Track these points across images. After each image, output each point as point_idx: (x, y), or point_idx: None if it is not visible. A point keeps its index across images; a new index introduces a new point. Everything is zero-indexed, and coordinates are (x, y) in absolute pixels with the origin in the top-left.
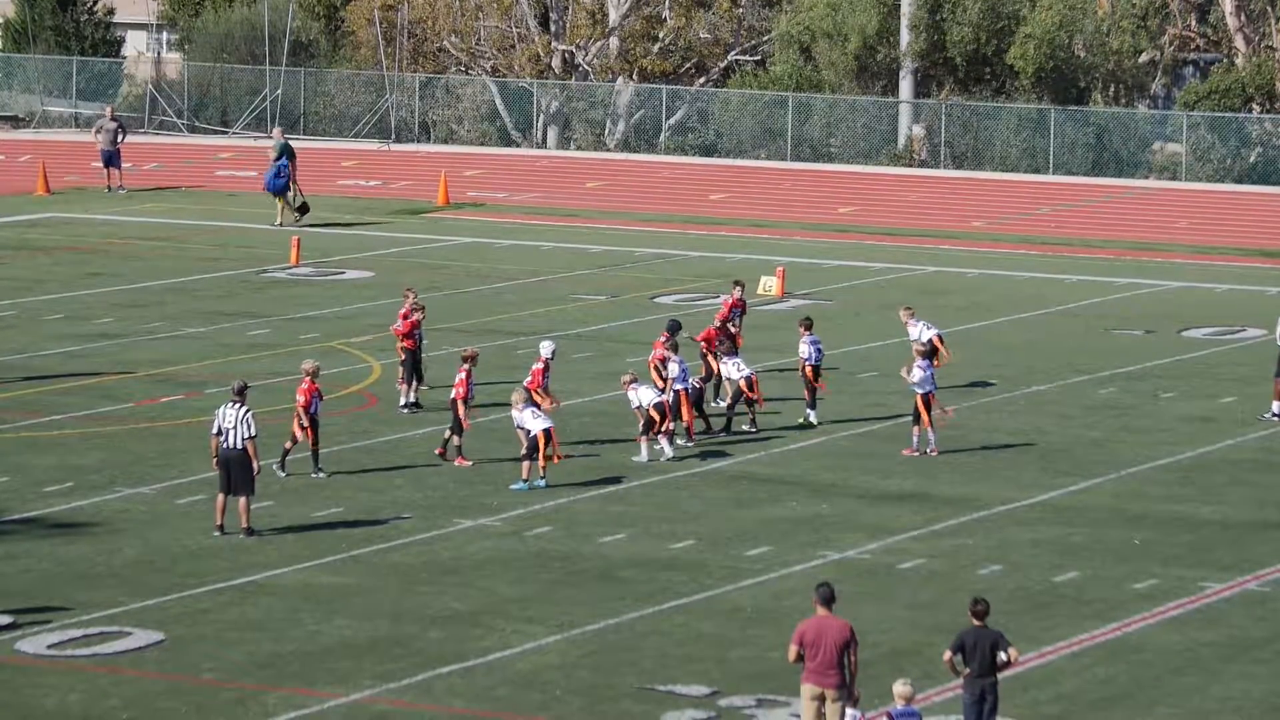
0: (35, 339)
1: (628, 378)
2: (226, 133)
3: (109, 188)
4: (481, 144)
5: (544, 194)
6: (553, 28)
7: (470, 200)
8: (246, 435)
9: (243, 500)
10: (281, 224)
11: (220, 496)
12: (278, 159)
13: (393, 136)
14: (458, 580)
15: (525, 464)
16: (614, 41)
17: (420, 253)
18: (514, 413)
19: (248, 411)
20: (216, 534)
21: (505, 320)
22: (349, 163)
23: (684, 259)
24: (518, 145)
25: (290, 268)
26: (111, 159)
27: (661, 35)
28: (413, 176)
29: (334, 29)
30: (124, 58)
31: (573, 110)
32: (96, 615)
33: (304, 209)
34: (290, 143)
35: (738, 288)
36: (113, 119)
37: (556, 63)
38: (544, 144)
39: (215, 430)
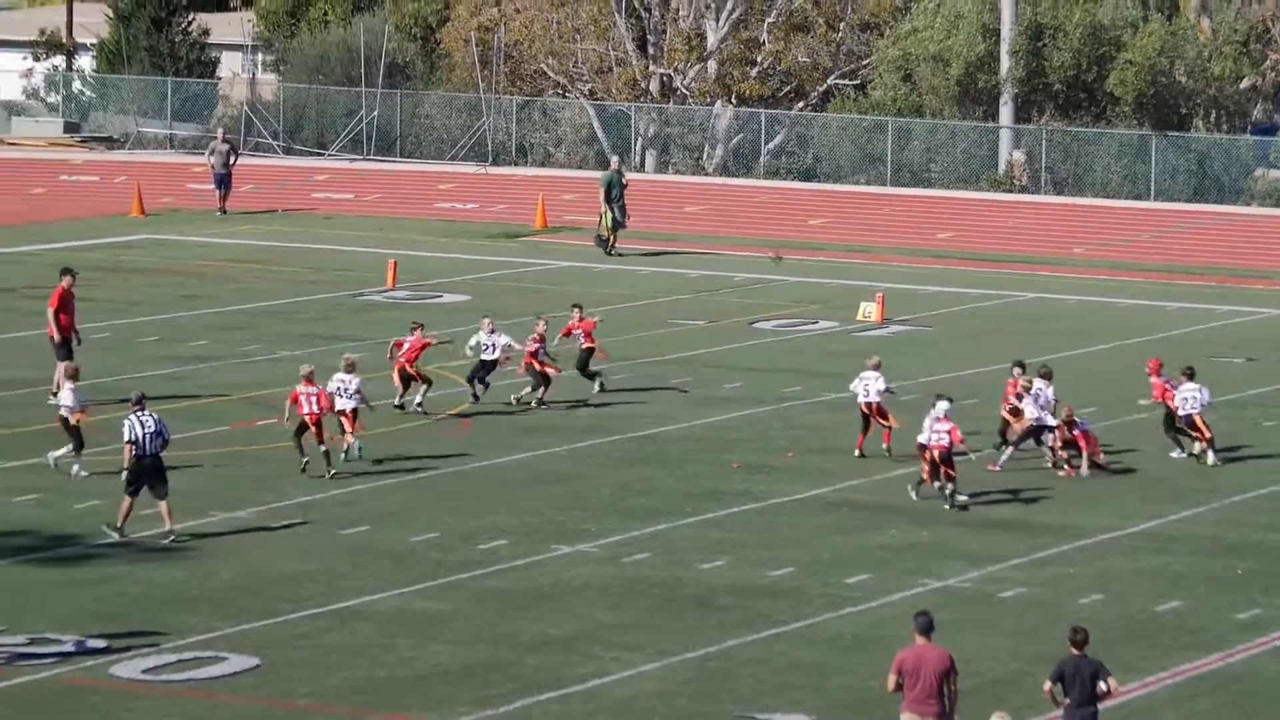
0: (130, 361)
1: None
2: (323, 155)
3: (221, 210)
4: (579, 168)
5: (641, 218)
6: (650, 51)
7: (567, 224)
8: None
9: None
10: (616, 250)
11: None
12: (608, 190)
13: (490, 159)
14: (555, 606)
15: None
16: (712, 65)
17: (517, 276)
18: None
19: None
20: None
21: (602, 345)
22: (446, 185)
23: (782, 284)
24: None
25: (387, 291)
26: (223, 181)
27: (760, 59)
28: (510, 199)
29: (430, 50)
30: (219, 79)
31: (670, 134)
32: (191, 640)
33: (605, 240)
34: (621, 172)
35: None
36: (224, 140)
37: (654, 86)
38: (642, 168)
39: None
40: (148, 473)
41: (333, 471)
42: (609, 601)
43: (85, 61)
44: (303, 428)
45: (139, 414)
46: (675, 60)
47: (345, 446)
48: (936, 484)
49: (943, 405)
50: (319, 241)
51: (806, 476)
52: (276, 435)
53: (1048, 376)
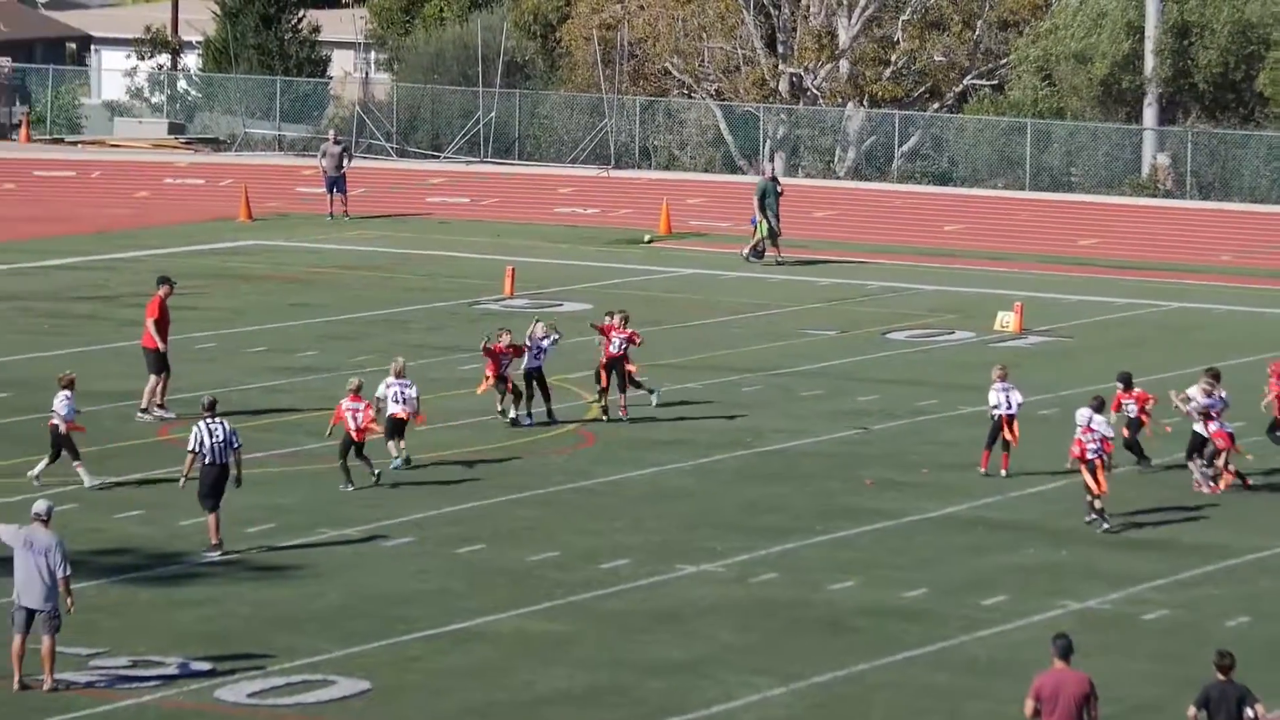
0: (236, 372)
1: None
2: (438, 157)
3: (331, 215)
4: (705, 171)
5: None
6: (780, 49)
7: (693, 230)
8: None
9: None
10: (781, 259)
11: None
12: (762, 198)
13: (612, 162)
14: (679, 628)
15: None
16: (844, 65)
17: (640, 284)
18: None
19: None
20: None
21: (729, 356)
22: (566, 189)
23: (916, 292)
24: (743, 172)
25: (504, 299)
26: (336, 184)
27: (894, 58)
28: (633, 204)
29: (550, 49)
30: (330, 78)
31: (800, 136)
32: (299, 663)
33: (760, 250)
34: (776, 179)
35: None
36: (336, 142)
37: (783, 86)
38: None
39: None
40: (215, 482)
41: (378, 474)
42: (735, 623)
43: (191, 60)
44: (347, 445)
45: (209, 421)
46: (805, 59)
47: (397, 453)
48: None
49: (1083, 413)
50: (433, 247)
51: (941, 494)
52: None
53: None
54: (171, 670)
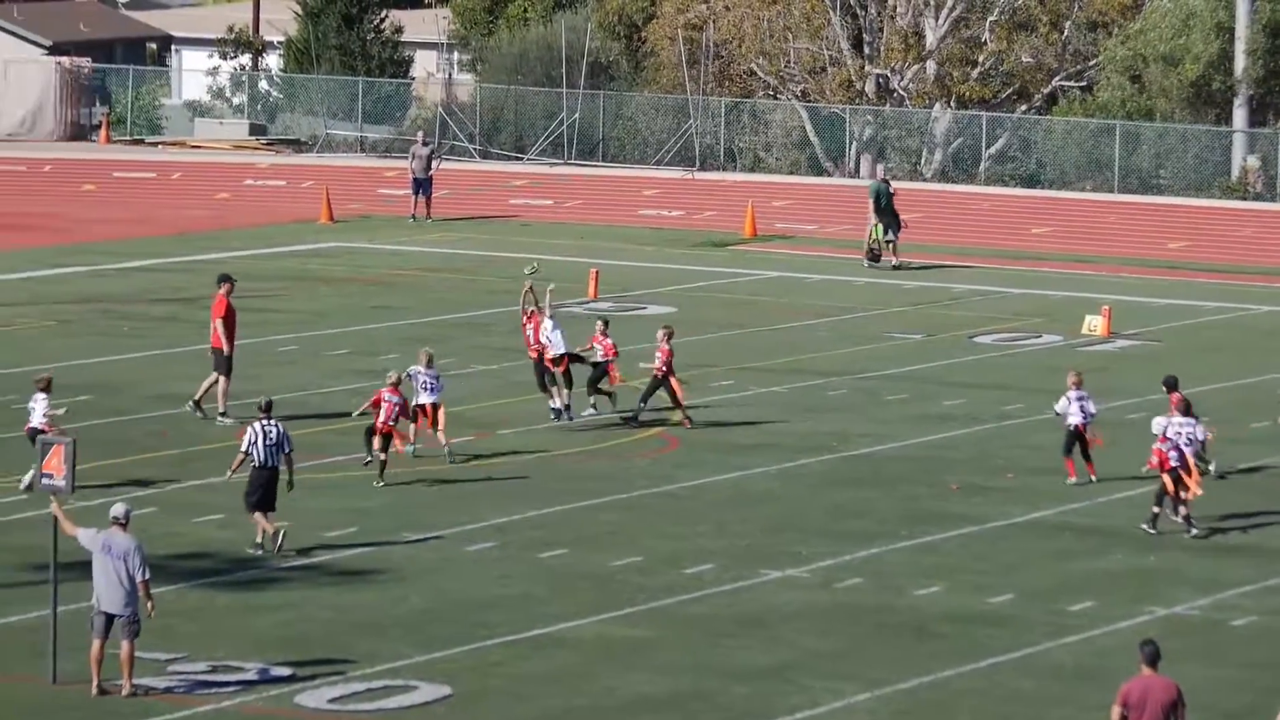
0: (317, 375)
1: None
2: (521, 159)
3: (414, 216)
4: (791, 173)
5: (856, 226)
6: (866, 50)
7: (778, 232)
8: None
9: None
10: (897, 265)
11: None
12: (876, 200)
13: (697, 164)
14: (763, 633)
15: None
16: (931, 65)
17: (725, 287)
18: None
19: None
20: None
21: (814, 359)
22: (650, 191)
23: (1003, 296)
24: (829, 174)
25: (588, 301)
26: (422, 186)
27: (981, 59)
28: (717, 206)
29: (635, 49)
30: (413, 79)
31: (887, 138)
32: (380, 668)
33: (876, 254)
34: (888, 181)
35: None
36: (425, 144)
37: (870, 87)
38: (856, 173)
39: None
40: (265, 485)
41: (383, 484)
42: (820, 629)
43: (273, 60)
44: (373, 430)
45: (264, 423)
46: (892, 60)
47: (410, 444)
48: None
49: (1159, 421)
50: (516, 250)
51: (1027, 498)
52: (471, 453)
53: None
54: (251, 675)
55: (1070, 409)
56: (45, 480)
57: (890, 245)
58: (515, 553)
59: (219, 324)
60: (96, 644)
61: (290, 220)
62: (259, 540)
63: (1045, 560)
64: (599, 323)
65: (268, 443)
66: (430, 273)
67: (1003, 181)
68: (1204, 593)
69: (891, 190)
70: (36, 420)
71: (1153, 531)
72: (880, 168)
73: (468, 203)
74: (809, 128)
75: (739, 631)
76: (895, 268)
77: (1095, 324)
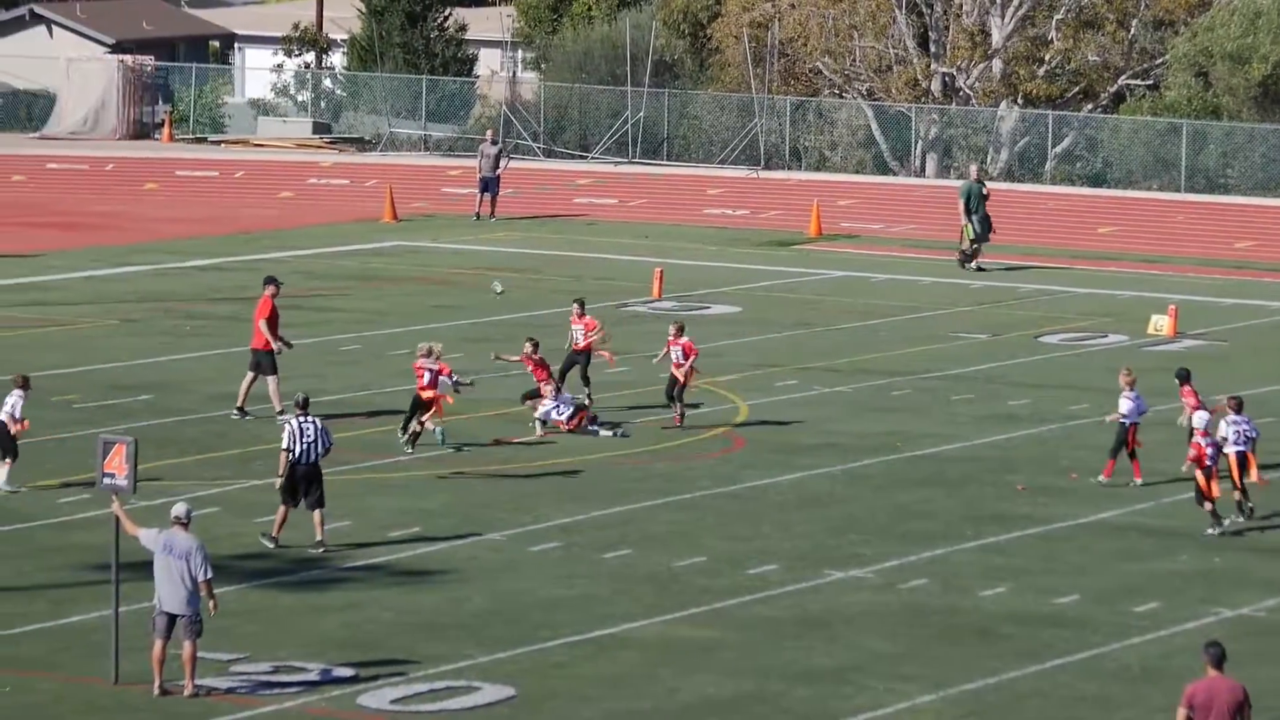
0: (379, 374)
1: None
2: (585, 157)
3: (478, 215)
4: (856, 172)
5: (922, 225)
6: (932, 49)
7: (843, 231)
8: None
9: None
10: (980, 266)
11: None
12: (967, 201)
13: (762, 163)
14: (827, 635)
15: None
16: (997, 64)
17: (789, 287)
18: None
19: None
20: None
21: (879, 359)
22: (715, 190)
23: (1069, 296)
24: (894, 173)
25: (652, 301)
26: (489, 185)
27: (1047, 58)
28: (782, 206)
29: (700, 48)
30: (476, 77)
31: (953, 136)
32: (443, 669)
33: (968, 255)
34: (981, 182)
35: None
36: (493, 143)
37: (936, 86)
38: (922, 173)
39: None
40: (304, 481)
41: (409, 451)
42: (884, 630)
43: (337, 58)
44: (417, 404)
45: (300, 419)
46: (958, 59)
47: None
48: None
49: (1201, 416)
50: (580, 249)
51: (1092, 499)
52: (535, 454)
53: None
54: (314, 676)
55: (1123, 404)
56: (106, 480)
57: (976, 246)
58: (578, 553)
59: (262, 324)
60: (158, 644)
61: (353, 219)
62: (275, 534)
63: (1111, 561)
64: (576, 304)
65: (305, 439)
66: (493, 272)
67: (1069, 181)
68: (1271, 594)
69: (985, 192)
70: (3, 416)
71: (1217, 531)
72: (974, 167)
73: (532, 202)
74: (874, 126)
75: (802, 633)
76: (976, 269)
77: (1161, 324)
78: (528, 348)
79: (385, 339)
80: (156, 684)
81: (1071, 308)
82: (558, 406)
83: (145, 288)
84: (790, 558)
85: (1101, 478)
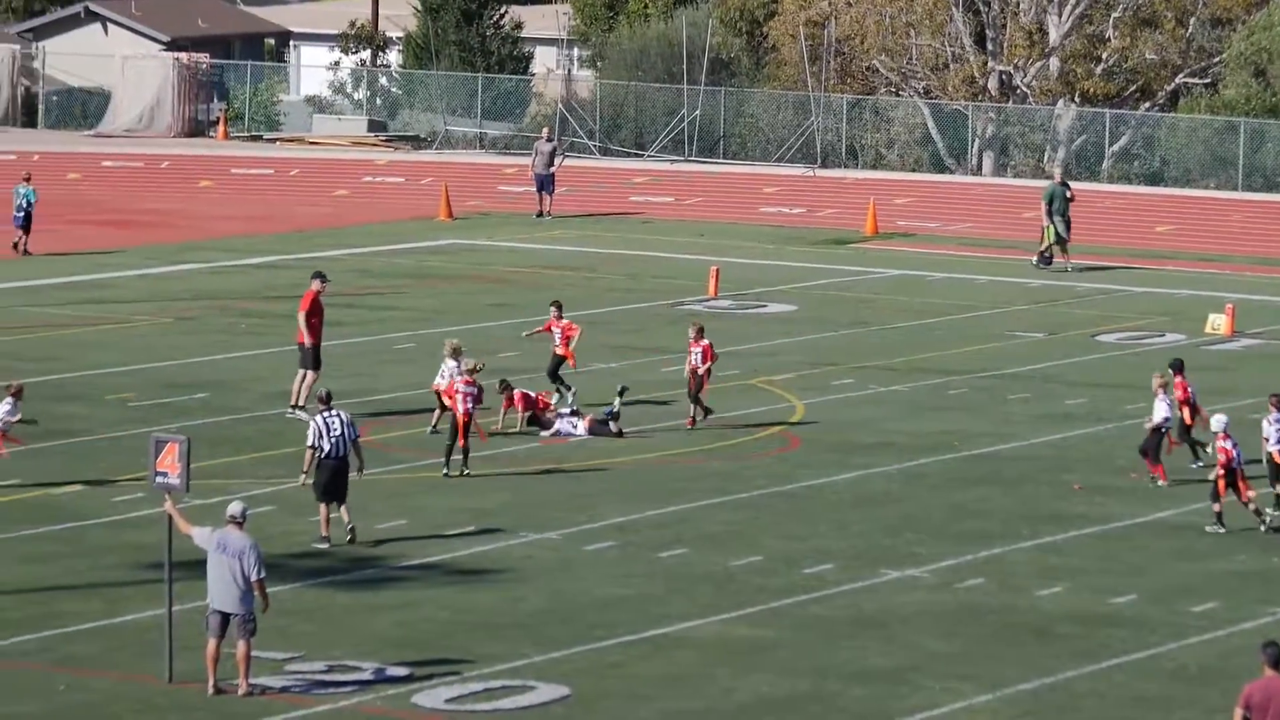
0: (433, 374)
1: None
2: (641, 156)
3: (539, 214)
4: (913, 170)
5: (978, 224)
6: (989, 47)
7: (900, 230)
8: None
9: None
10: (1070, 266)
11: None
12: (1050, 202)
13: (818, 161)
14: (883, 635)
15: None
16: (1054, 62)
17: (846, 285)
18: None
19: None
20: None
21: (936, 358)
22: (771, 189)
23: (1126, 295)
24: (951, 172)
25: (708, 300)
26: (544, 183)
27: (1105, 56)
28: (839, 204)
29: (756, 45)
30: (532, 75)
31: (1010, 135)
32: (498, 668)
33: (1049, 256)
34: (1066, 184)
35: None
36: (548, 140)
37: (993, 84)
38: (979, 171)
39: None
40: (332, 475)
41: (465, 471)
42: (940, 630)
43: (392, 56)
44: (456, 430)
45: (326, 415)
46: (1015, 57)
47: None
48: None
49: (1219, 420)
50: (636, 247)
51: (1150, 498)
52: (590, 452)
53: None
54: (368, 675)
55: (1159, 409)
56: (159, 479)
57: (1061, 247)
58: (634, 552)
59: (301, 318)
60: (212, 643)
61: (409, 217)
62: (324, 534)
63: (1168, 560)
64: (554, 306)
65: (332, 433)
66: (549, 270)
67: (1126, 179)
68: None
69: (1069, 194)
70: None
71: (1222, 530)
72: (1058, 169)
73: (587, 200)
74: (931, 125)
75: (858, 632)
76: (1067, 269)
77: (1219, 323)
78: (553, 312)
79: (440, 338)
80: (211, 683)
81: (1129, 307)
82: (569, 422)
83: (200, 286)
84: (846, 557)
85: (1160, 481)
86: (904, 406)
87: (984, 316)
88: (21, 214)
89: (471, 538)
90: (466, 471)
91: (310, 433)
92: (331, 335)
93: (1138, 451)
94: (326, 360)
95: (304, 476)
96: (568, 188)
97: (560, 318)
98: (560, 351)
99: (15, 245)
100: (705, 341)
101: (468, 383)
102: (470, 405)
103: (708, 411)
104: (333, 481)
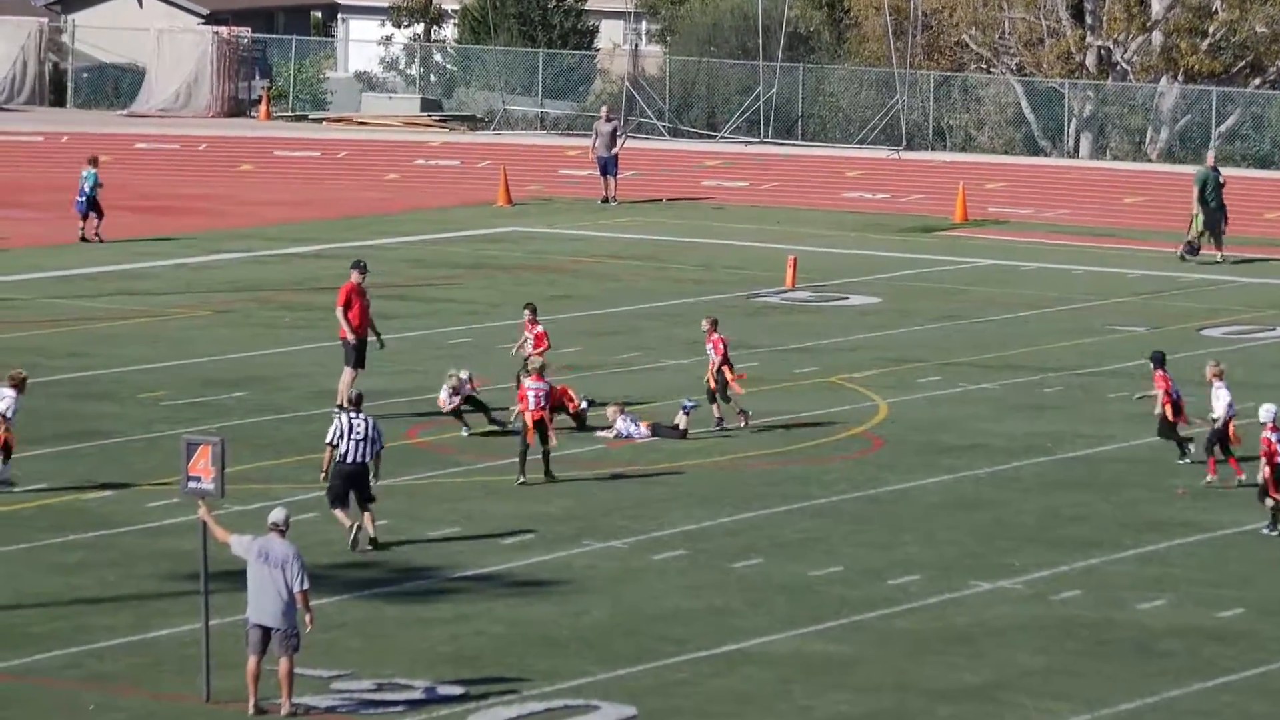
0: (489, 369)
1: None
2: (714, 137)
3: (604, 199)
4: (1005, 152)
5: (1075, 210)
6: (1087, 20)
7: (991, 217)
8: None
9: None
10: (1223, 258)
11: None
12: (1202, 189)
13: (903, 143)
14: (972, 650)
15: None
16: (1156, 37)
17: (933, 276)
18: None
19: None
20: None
21: (1029, 354)
22: (853, 172)
23: (1233, 285)
24: (1046, 154)
25: (785, 291)
26: (607, 166)
27: (1211, 30)
28: (926, 189)
29: (837, 19)
30: (597, 50)
31: (1108, 114)
32: (559, 686)
33: (1196, 246)
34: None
35: None
36: (607, 120)
37: (1091, 60)
38: (1076, 153)
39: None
40: (350, 481)
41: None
42: (1034, 645)
43: (448, 30)
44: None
45: (352, 416)
46: (1115, 31)
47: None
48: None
49: (1268, 409)
50: (708, 235)
51: (1259, 505)
52: (657, 456)
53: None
54: (420, 694)
55: (1217, 403)
56: (191, 483)
57: (1212, 238)
58: (705, 562)
59: (339, 312)
60: (252, 660)
61: (464, 203)
62: (351, 539)
63: (1279, 571)
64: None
65: (355, 436)
66: (614, 260)
67: (1233, 162)
68: None
69: (1221, 180)
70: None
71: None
72: (1210, 153)
73: (656, 184)
74: (1024, 104)
75: (946, 648)
76: (1219, 261)
77: None
78: (526, 315)
79: (498, 332)
80: (251, 702)
81: (1236, 298)
82: (632, 425)
83: (240, 276)
84: (933, 567)
85: (1209, 477)
86: (995, 406)
87: (1081, 309)
88: (83, 199)
89: (531, 546)
90: (551, 477)
91: (331, 431)
92: (381, 329)
93: (1204, 451)
94: (376, 356)
95: (322, 476)
96: (634, 171)
97: (535, 322)
98: (531, 354)
99: (82, 233)
100: (717, 335)
101: (537, 380)
102: (543, 405)
103: (741, 412)
104: (346, 487)
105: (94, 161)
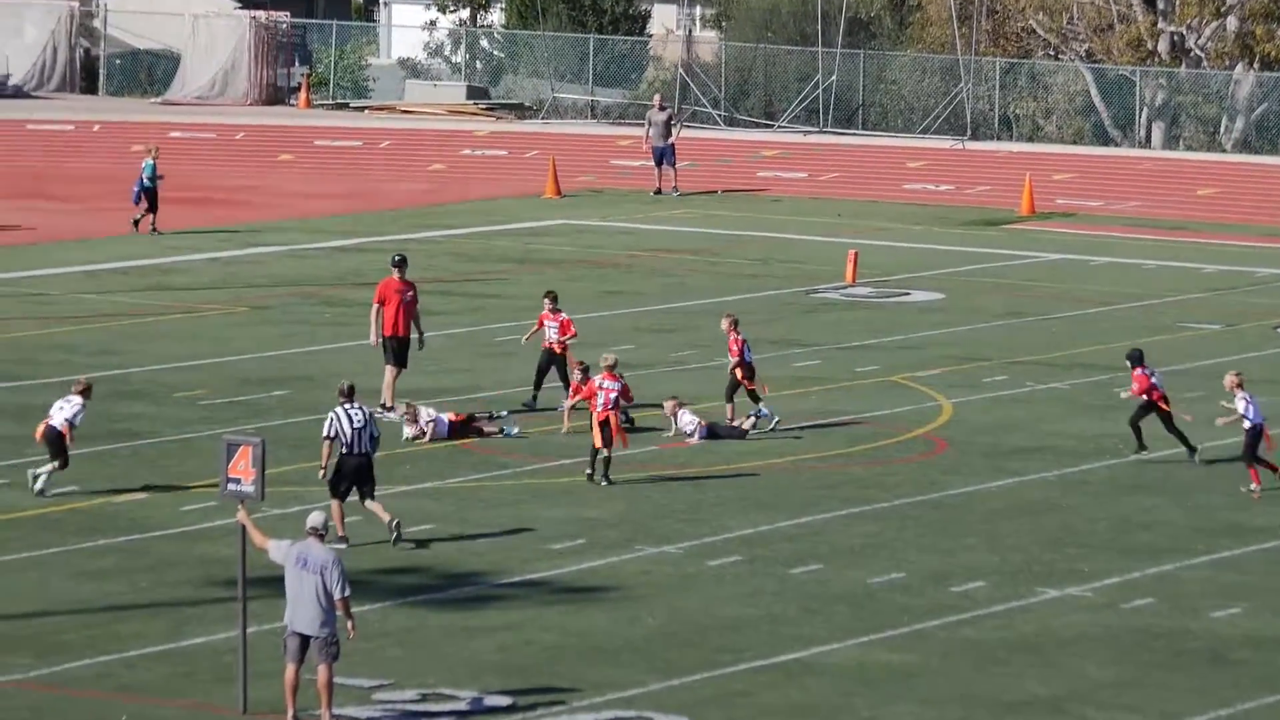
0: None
1: None
2: (771, 126)
3: (658, 190)
4: (1074, 142)
5: (1147, 202)
6: (1159, 5)
7: (1059, 209)
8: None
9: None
10: None
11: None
12: None
13: (968, 133)
14: (1040, 660)
15: None
16: (1231, 22)
17: (998, 271)
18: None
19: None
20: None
21: (1099, 352)
22: (916, 163)
23: None
24: (1116, 144)
25: (845, 287)
26: (664, 156)
27: None
28: (991, 180)
29: (899, 4)
30: (649, 36)
31: (1181, 103)
32: (611, 697)
33: None
34: None
35: None
36: (661, 108)
37: (1163, 47)
38: (1147, 143)
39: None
40: (354, 472)
41: (606, 483)
42: (1104, 655)
43: (495, 15)
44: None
45: (347, 407)
46: (1188, 16)
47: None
48: None
49: None
50: (765, 228)
51: None
52: (713, 458)
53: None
54: (465, 705)
55: (1247, 411)
56: (231, 485)
57: None
58: (763, 568)
59: (373, 309)
60: (291, 669)
61: (512, 195)
62: (340, 534)
63: None
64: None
65: (354, 425)
66: (668, 254)
67: None
68: None
69: None
70: (58, 420)
71: None
72: None
73: (711, 175)
74: (1094, 92)
75: (1012, 658)
76: None
77: None
78: (546, 304)
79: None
80: (290, 713)
81: None
82: (698, 426)
83: (278, 271)
84: (999, 574)
85: (1252, 485)
86: (1063, 406)
87: (1153, 306)
88: (138, 188)
89: (581, 552)
90: (605, 481)
91: (327, 425)
92: (426, 326)
93: (1243, 462)
94: (417, 356)
95: (322, 472)
96: (689, 161)
97: (556, 311)
98: (556, 349)
99: (135, 222)
100: (736, 334)
101: (609, 377)
102: (611, 405)
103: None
104: (353, 477)
105: (152, 152)
